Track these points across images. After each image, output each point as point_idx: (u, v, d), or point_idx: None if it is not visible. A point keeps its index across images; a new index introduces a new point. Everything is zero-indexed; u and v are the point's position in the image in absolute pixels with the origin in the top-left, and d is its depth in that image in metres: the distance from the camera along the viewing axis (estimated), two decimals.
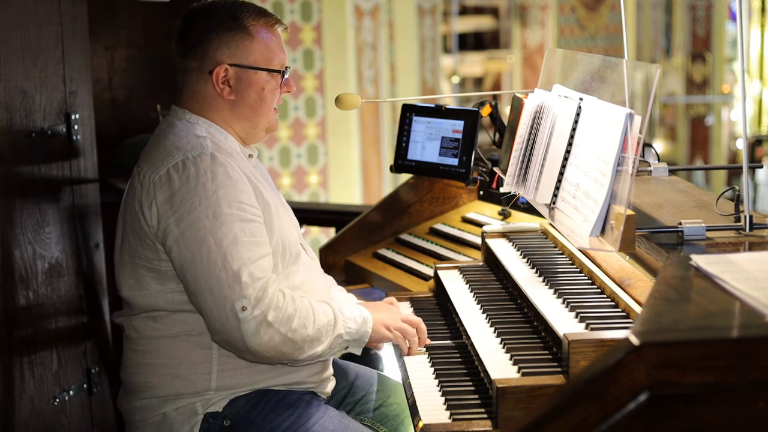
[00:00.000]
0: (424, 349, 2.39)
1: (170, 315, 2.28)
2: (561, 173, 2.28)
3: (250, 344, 2.15)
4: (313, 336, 2.22)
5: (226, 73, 2.32)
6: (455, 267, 2.80)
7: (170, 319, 2.28)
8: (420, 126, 3.08)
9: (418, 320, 2.43)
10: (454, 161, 2.99)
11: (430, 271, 3.01)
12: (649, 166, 2.60)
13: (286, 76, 2.38)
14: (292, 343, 2.19)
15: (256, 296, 2.15)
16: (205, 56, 2.32)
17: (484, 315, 2.35)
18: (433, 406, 2.04)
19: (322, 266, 3.34)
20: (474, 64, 14.59)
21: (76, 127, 3.21)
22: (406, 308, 2.70)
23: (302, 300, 2.25)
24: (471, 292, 2.56)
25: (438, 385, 2.16)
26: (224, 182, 2.20)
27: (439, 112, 3.04)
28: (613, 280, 2.19)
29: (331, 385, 2.46)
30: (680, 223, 1.99)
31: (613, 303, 2.13)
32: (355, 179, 6.95)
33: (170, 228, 2.19)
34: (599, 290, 2.23)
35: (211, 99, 2.34)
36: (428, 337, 2.42)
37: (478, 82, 14.89)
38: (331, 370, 2.46)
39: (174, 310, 2.27)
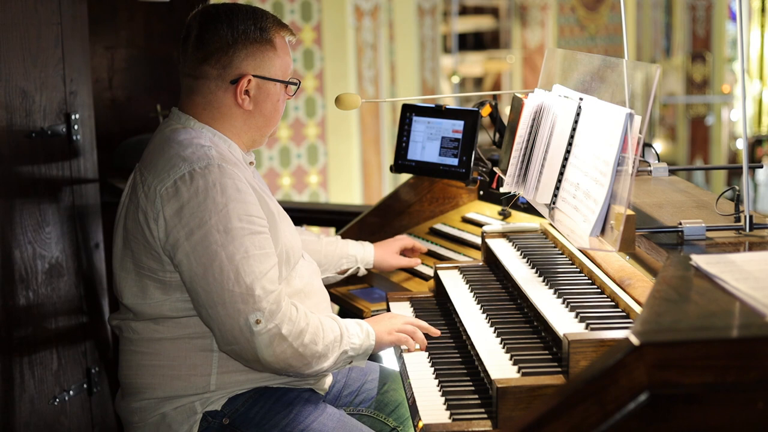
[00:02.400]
0: (425, 350, 2.40)
1: (172, 319, 2.28)
2: (561, 173, 2.28)
3: (262, 356, 2.17)
4: (321, 352, 2.24)
5: (248, 84, 2.31)
6: (455, 267, 2.80)
7: (172, 322, 2.28)
8: (420, 126, 3.08)
9: (416, 320, 2.45)
10: (454, 161, 2.99)
11: (430, 271, 3.01)
12: (649, 166, 2.60)
13: (298, 87, 2.40)
14: (301, 357, 2.21)
15: (270, 309, 2.16)
16: (229, 65, 2.29)
17: (484, 315, 2.35)
18: (433, 406, 2.04)
19: None
20: (474, 64, 14.59)
21: (76, 127, 3.21)
22: (406, 308, 2.70)
23: (312, 316, 2.27)
24: (471, 292, 2.56)
25: (438, 385, 2.16)
26: (234, 195, 2.19)
27: (439, 112, 3.04)
28: (613, 280, 2.19)
29: (328, 381, 2.48)
30: (680, 223, 1.99)
31: (613, 303, 2.13)
32: (355, 179, 6.95)
33: (180, 242, 2.18)
34: (599, 290, 2.23)
35: (227, 108, 2.32)
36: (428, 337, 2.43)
37: (478, 82, 14.88)
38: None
39: (178, 316, 2.27)
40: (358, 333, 2.33)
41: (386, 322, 2.42)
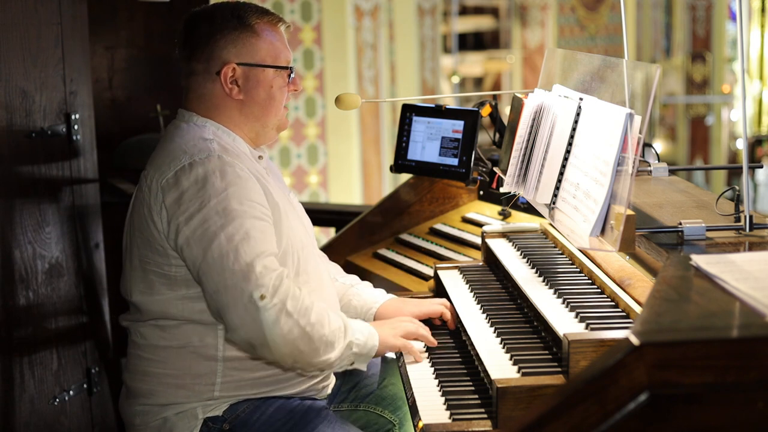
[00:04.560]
0: (425, 349, 2.40)
1: (178, 326, 2.26)
2: (561, 173, 2.28)
3: (270, 335, 2.10)
4: (328, 337, 2.19)
5: (233, 73, 2.31)
6: (455, 267, 2.80)
7: (178, 330, 2.27)
8: (420, 126, 3.08)
9: (419, 325, 2.44)
10: (454, 161, 2.99)
11: (430, 271, 3.01)
12: (649, 166, 2.60)
13: (293, 73, 2.39)
14: (309, 340, 2.15)
15: (274, 284, 2.12)
16: (211, 57, 2.31)
17: (484, 315, 2.35)
18: (433, 406, 2.04)
19: None
20: (474, 64, 14.59)
21: (76, 127, 3.21)
22: None
23: (317, 300, 2.24)
24: (471, 292, 2.56)
25: (438, 385, 2.16)
26: (234, 180, 2.19)
27: (439, 112, 3.04)
28: (613, 280, 2.19)
29: (331, 386, 2.47)
30: (680, 223, 1.99)
31: (613, 303, 2.13)
32: (355, 179, 6.95)
33: (180, 227, 2.18)
34: (599, 290, 2.23)
35: (220, 100, 2.33)
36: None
37: (478, 82, 14.88)
38: (332, 376, 2.48)
39: (183, 319, 2.25)
40: (361, 330, 2.30)
41: (388, 326, 2.40)
